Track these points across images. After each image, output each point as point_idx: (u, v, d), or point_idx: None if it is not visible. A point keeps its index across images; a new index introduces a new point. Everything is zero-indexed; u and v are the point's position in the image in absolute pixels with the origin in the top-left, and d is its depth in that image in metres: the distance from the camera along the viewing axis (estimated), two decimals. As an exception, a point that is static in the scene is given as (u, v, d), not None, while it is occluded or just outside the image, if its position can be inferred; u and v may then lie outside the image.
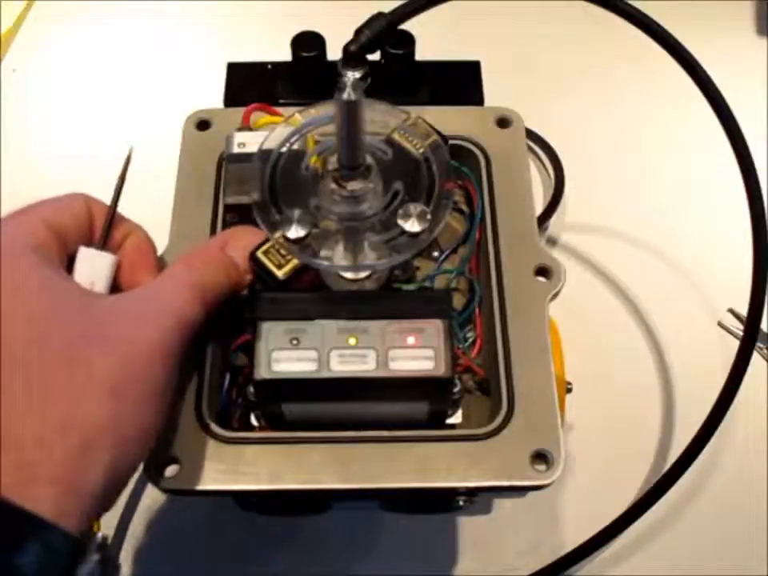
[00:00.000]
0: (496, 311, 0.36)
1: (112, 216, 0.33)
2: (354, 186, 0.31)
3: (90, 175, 0.57)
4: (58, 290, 0.29)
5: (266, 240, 0.34)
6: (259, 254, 0.35)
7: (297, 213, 0.31)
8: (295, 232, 0.31)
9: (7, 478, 0.24)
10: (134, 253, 0.34)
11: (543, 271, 0.37)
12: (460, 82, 0.49)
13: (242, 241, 0.34)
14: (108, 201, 0.34)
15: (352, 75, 0.28)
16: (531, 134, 0.57)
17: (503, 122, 0.42)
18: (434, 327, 0.32)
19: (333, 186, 0.31)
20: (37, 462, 0.25)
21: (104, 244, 0.33)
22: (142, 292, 0.31)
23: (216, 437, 0.33)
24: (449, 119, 0.41)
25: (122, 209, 0.34)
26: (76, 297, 0.29)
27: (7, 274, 0.28)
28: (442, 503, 0.41)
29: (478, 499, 0.40)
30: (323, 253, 0.33)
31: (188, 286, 0.31)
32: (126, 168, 0.35)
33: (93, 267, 0.32)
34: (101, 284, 0.32)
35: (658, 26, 0.33)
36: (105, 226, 0.33)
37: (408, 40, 0.46)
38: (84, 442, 0.26)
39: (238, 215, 0.38)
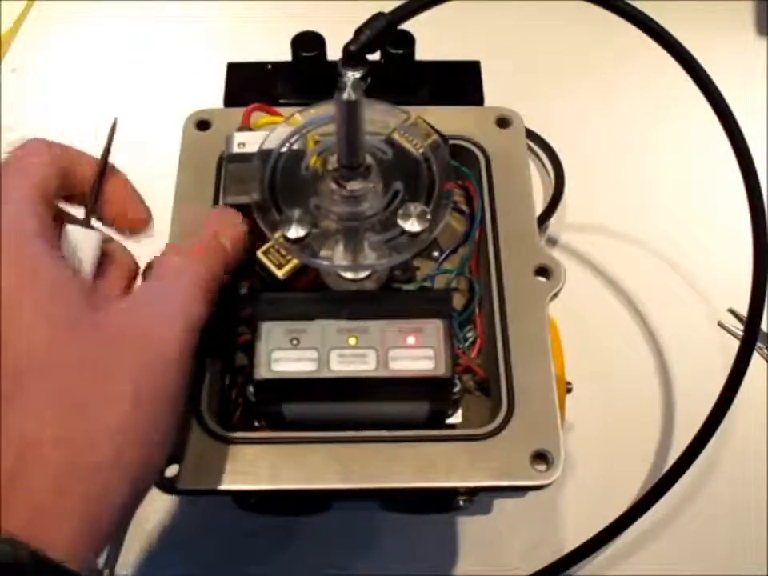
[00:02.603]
0: (496, 311, 0.36)
1: (99, 185, 0.32)
2: (353, 186, 0.31)
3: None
4: (71, 290, 0.27)
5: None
6: (259, 253, 0.35)
7: (297, 213, 0.31)
8: (295, 232, 0.31)
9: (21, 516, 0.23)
10: (119, 194, 0.33)
11: (543, 271, 0.37)
12: (460, 81, 0.49)
13: (230, 227, 0.33)
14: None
15: (352, 75, 0.28)
16: (531, 134, 0.57)
17: (503, 122, 0.42)
18: (434, 327, 0.32)
19: (333, 185, 0.31)
20: (61, 489, 0.24)
21: (92, 210, 0.32)
22: (151, 294, 0.30)
23: (216, 437, 0.33)
24: (449, 119, 0.41)
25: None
26: (89, 298, 0.28)
27: (17, 273, 0.26)
28: (442, 503, 0.41)
29: (477, 499, 0.40)
30: (323, 253, 0.33)
31: (195, 283, 0.30)
32: (111, 139, 0.34)
33: (79, 246, 0.31)
34: (88, 263, 0.31)
35: (658, 25, 0.33)
36: (92, 193, 0.32)
37: (408, 40, 0.46)
38: (112, 457, 0.25)
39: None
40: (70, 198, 0.32)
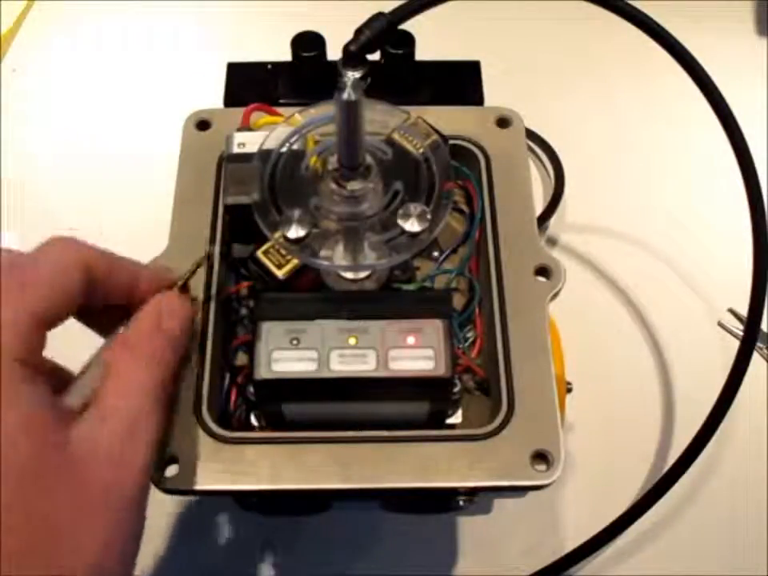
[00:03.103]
0: (496, 311, 0.36)
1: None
2: (353, 186, 0.31)
3: (90, 175, 0.57)
4: (43, 421, 0.25)
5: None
6: (259, 253, 0.35)
7: (297, 213, 0.31)
8: (295, 232, 0.31)
9: None
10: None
11: (543, 271, 0.37)
12: (460, 82, 0.49)
13: (176, 309, 0.31)
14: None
15: (352, 75, 0.28)
16: (531, 134, 0.57)
17: (503, 122, 0.42)
18: (434, 327, 0.32)
19: (333, 186, 0.31)
20: None
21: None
22: (112, 424, 0.27)
23: (216, 437, 0.33)
24: (449, 119, 0.41)
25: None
26: (57, 447, 0.25)
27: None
28: (442, 503, 0.41)
29: (477, 499, 0.40)
30: (323, 253, 0.33)
31: (154, 399, 0.28)
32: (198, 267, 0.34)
33: None
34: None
35: (658, 25, 0.33)
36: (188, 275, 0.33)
37: (408, 40, 0.46)
38: None
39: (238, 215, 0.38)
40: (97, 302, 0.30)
